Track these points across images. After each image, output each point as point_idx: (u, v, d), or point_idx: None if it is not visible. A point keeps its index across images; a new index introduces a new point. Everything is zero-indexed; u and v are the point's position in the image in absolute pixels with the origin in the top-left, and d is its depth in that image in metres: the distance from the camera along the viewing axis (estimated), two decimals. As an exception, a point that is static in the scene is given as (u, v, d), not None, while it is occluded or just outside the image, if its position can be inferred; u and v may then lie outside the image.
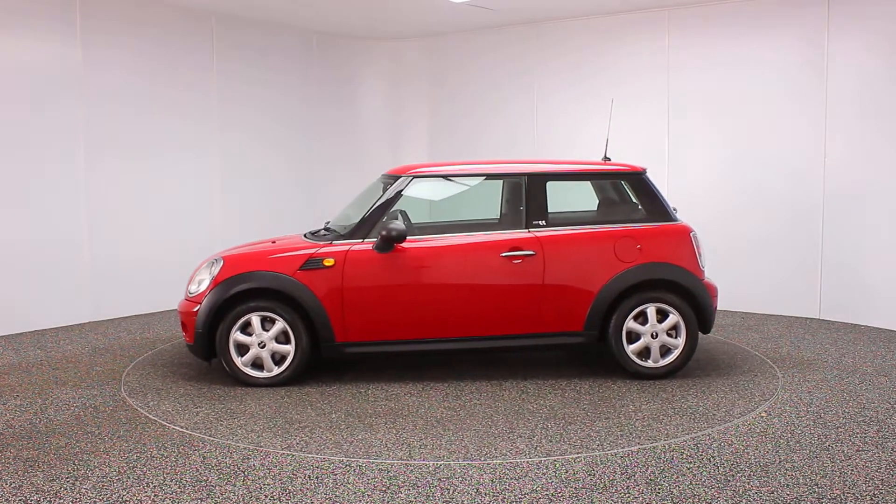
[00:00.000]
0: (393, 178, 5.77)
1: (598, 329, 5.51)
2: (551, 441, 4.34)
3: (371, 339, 5.48)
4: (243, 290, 5.35)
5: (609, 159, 6.12)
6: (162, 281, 8.14)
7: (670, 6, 8.19)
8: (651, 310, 5.48)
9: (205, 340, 5.40)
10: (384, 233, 5.33)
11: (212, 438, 4.41)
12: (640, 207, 5.74)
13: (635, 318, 5.50)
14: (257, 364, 5.46)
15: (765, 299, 7.94)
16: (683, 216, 6.15)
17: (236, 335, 5.39)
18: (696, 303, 5.53)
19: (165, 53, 8.17)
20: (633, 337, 5.52)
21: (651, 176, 6.03)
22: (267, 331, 5.39)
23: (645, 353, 5.53)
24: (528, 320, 5.50)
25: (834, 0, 7.36)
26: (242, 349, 5.43)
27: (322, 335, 5.40)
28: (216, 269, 5.50)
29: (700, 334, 5.78)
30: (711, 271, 6.70)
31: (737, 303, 8.02)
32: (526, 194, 5.63)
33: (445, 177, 5.84)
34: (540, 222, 5.55)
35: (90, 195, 7.62)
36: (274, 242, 5.88)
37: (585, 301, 5.48)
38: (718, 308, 7.66)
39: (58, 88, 7.36)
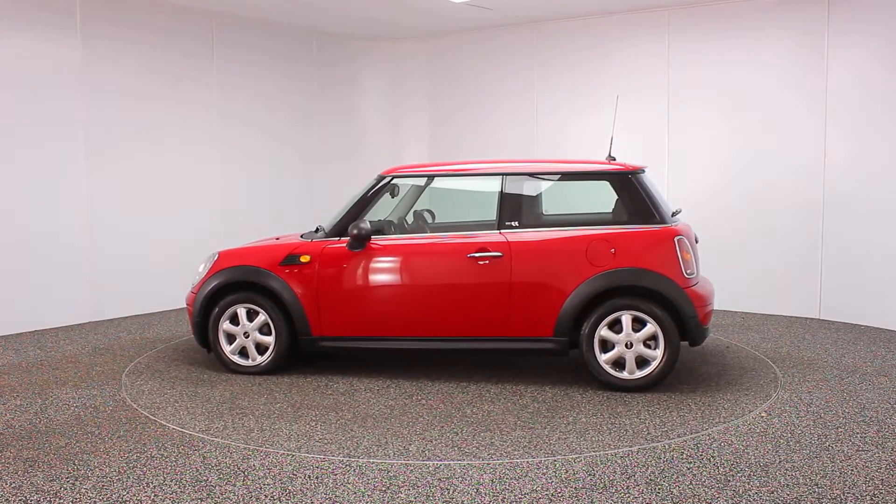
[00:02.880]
0: (386, 178, 5.83)
1: (569, 336, 5.29)
2: (447, 447, 4.28)
3: (344, 334, 5.62)
4: (229, 282, 5.72)
5: (614, 158, 5.94)
6: (162, 280, 8.16)
7: (670, 6, 8.19)
8: (626, 318, 5.19)
9: (200, 329, 5.82)
10: (355, 231, 5.47)
11: (212, 438, 4.42)
12: (626, 209, 5.49)
13: (612, 326, 5.23)
14: (244, 353, 5.79)
15: (765, 299, 7.94)
16: (684, 216, 6.12)
17: (225, 325, 5.76)
18: (675, 312, 5.19)
19: (166, 53, 8.17)
20: (610, 346, 5.26)
21: (651, 175, 5.98)
22: (251, 322, 5.72)
23: (622, 363, 5.25)
24: (496, 323, 5.38)
25: (833, 0, 7.37)
26: (231, 338, 5.79)
27: (299, 328, 5.63)
28: (211, 263, 5.91)
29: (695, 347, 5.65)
30: (711, 271, 6.69)
31: (737, 303, 8.03)
32: (500, 195, 5.53)
33: (425, 177, 5.98)
34: (513, 223, 5.45)
35: (90, 195, 7.62)
36: (278, 239, 6.12)
37: (555, 306, 5.27)
38: (717, 308, 7.69)
39: (57, 88, 7.36)
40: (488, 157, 9.00)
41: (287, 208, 9.45)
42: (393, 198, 5.96)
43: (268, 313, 5.66)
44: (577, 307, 5.23)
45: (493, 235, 5.43)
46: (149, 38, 8.03)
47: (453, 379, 5.63)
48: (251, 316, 5.73)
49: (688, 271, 5.26)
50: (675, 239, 5.28)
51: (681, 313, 5.17)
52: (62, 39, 7.38)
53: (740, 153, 7.96)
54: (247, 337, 5.75)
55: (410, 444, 4.32)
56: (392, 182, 5.76)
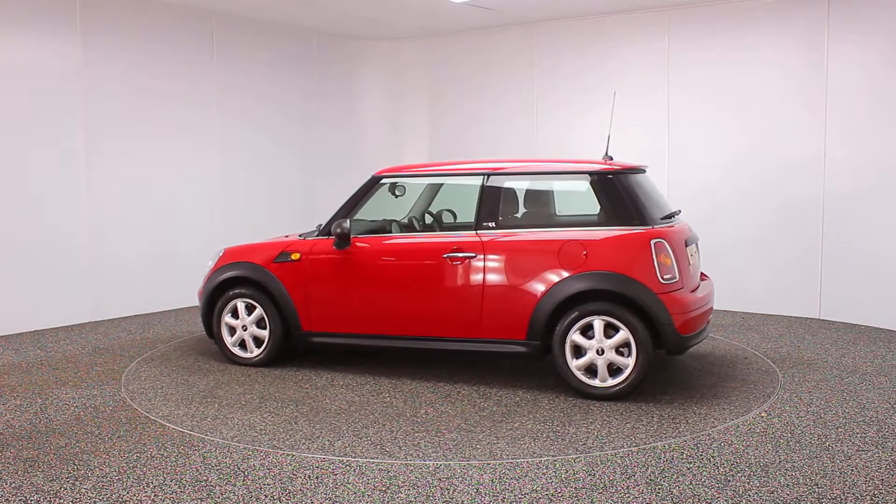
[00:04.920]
0: (376, 178, 5.92)
1: (542, 340, 5.16)
2: (371, 444, 4.31)
3: (331, 330, 5.77)
4: (230, 277, 5.99)
5: (611, 158, 5.83)
6: (162, 280, 8.16)
7: (670, 6, 8.19)
8: (598, 323, 5.00)
9: (206, 320, 6.14)
10: (338, 231, 5.60)
11: (212, 438, 4.42)
12: (603, 210, 5.31)
13: (585, 331, 5.08)
14: (244, 345, 6.06)
15: (765, 299, 7.94)
16: (683, 215, 6.10)
17: (227, 318, 6.05)
18: (648, 318, 4.97)
19: (165, 52, 8.17)
20: (584, 352, 5.09)
21: (651, 175, 5.97)
22: (250, 316, 5.97)
23: (596, 370, 5.06)
24: (470, 324, 5.34)
25: None
26: (232, 330, 6.06)
27: (290, 323, 5.84)
28: (217, 258, 6.23)
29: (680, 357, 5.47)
30: (711, 270, 6.69)
31: (737, 303, 8.02)
32: (479, 195, 5.49)
33: (412, 178, 6.00)
34: (490, 224, 5.39)
35: (90, 195, 7.62)
36: (287, 237, 6.30)
37: (527, 309, 5.16)
38: (717, 308, 7.69)
39: (57, 88, 7.35)
40: (489, 157, 9.00)
41: (287, 207, 9.45)
42: (397, 198, 6.01)
43: (263, 308, 5.89)
44: (547, 311, 5.11)
45: (470, 236, 5.41)
46: (149, 38, 8.03)
47: (434, 378, 5.65)
48: (250, 310, 5.97)
49: (665, 276, 5.00)
50: (652, 242, 5.03)
51: (654, 320, 4.95)
52: (62, 39, 7.37)
53: (740, 152, 7.96)
54: (245, 330, 5.99)
55: (338, 440, 4.38)
56: (382, 182, 5.82)
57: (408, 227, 6.19)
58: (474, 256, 5.31)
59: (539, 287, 5.16)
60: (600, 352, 5.03)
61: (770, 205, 7.82)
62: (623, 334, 4.98)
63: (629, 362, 4.99)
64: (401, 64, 10.33)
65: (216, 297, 6.05)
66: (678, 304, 4.99)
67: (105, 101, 7.69)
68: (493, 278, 5.27)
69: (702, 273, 5.92)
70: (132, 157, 7.94)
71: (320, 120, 9.89)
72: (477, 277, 5.30)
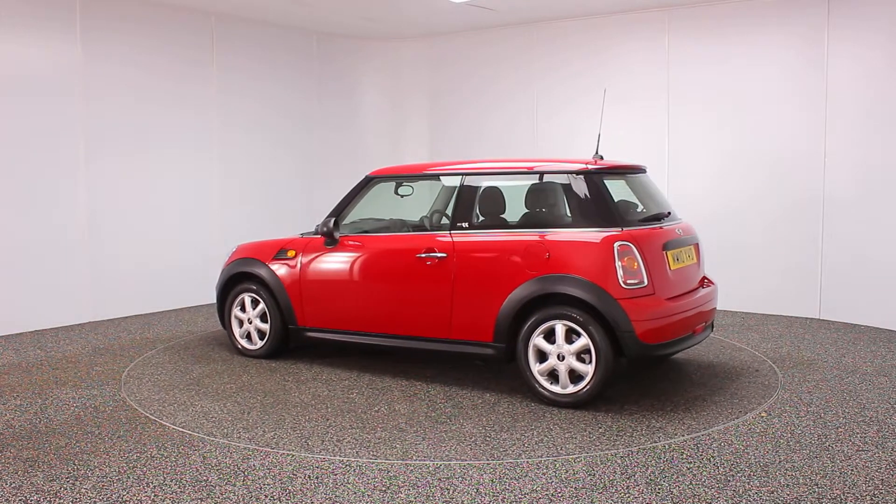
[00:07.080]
0: (369, 178, 6.00)
1: (507, 342, 5.07)
2: (299, 438, 4.40)
3: (321, 326, 5.94)
4: (236, 272, 6.28)
5: (602, 157, 5.69)
6: (162, 281, 8.16)
7: (670, 6, 8.19)
8: (559, 327, 4.86)
9: (220, 313, 6.48)
10: (325, 229, 5.81)
11: (211, 438, 4.42)
12: (574, 211, 5.17)
13: (549, 336, 4.94)
14: (251, 338, 6.31)
15: (765, 299, 7.94)
16: (683, 216, 6.10)
17: (235, 311, 6.34)
18: (606, 324, 4.77)
19: (165, 53, 8.18)
20: (547, 357, 4.96)
21: (651, 175, 5.97)
22: (255, 310, 6.22)
23: (559, 376, 4.93)
24: (441, 324, 5.35)
25: None
26: (241, 323, 6.35)
27: (287, 318, 6.06)
28: (230, 254, 6.53)
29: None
30: (711, 271, 6.68)
31: (737, 303, 8.03)
32: (455, 195, 5.51)
33: (402, 178, 6.06)
34: (463, 224, 5.36)
35: (90, 195, 7.62)
36: (302, 236, 6.42)
37: (492, 311, 5.09)
38: (718, 308, 7.69)
39: (57, 88, 7.36)
40: (489, 157, 8.99)
41: (287, 208, 9.45)
42: (402, 197, 6.08)
43: (265, 303, 6.13)
44: (511, 313, 5.03)
45: (444, 236, 5.42)
46: (149, 38, 8.03)
47: (414, 377, 5.68)
48: (255, 304, 6.24)
49: (628, 281, 4.77)
50: (615, 245, 4.81)
51: (613, 326, 4.75)
52: (62, 39, 7.37)
53: (740, 152, 7.96)
54: (250, 323, 6.25)
55: (270, 432, 4.52)
56: (375, 182, 5.91)
57: (417, 228, 6.14)
58: (445, 257, 5.32)
59: (504, 289, 5.07)
60: (561, 357, 4.89)
61: (770, 204, 7.82)
62: (583, 340, 4.81)
63: (589, 369, 4.82)
64: (401, 64, 10.33)
65: (227, 290, 6.36)
66: (643, 310, 4.77)
67: (105, 101, 7.69)
68: (461, 279, 5.26)
69: (705, 278, 5.77)
70: (132, 157, 7.94)
71: (320, 120, 9.89)
72: (447, 278, 5.30)
